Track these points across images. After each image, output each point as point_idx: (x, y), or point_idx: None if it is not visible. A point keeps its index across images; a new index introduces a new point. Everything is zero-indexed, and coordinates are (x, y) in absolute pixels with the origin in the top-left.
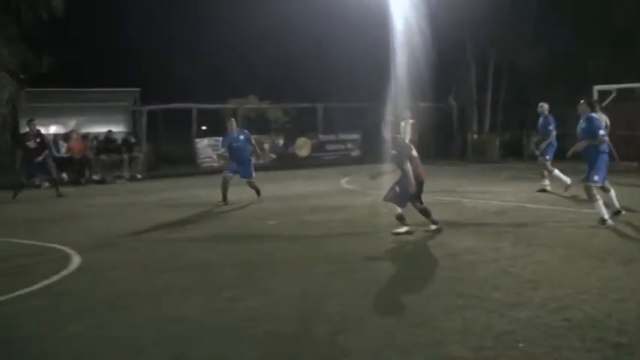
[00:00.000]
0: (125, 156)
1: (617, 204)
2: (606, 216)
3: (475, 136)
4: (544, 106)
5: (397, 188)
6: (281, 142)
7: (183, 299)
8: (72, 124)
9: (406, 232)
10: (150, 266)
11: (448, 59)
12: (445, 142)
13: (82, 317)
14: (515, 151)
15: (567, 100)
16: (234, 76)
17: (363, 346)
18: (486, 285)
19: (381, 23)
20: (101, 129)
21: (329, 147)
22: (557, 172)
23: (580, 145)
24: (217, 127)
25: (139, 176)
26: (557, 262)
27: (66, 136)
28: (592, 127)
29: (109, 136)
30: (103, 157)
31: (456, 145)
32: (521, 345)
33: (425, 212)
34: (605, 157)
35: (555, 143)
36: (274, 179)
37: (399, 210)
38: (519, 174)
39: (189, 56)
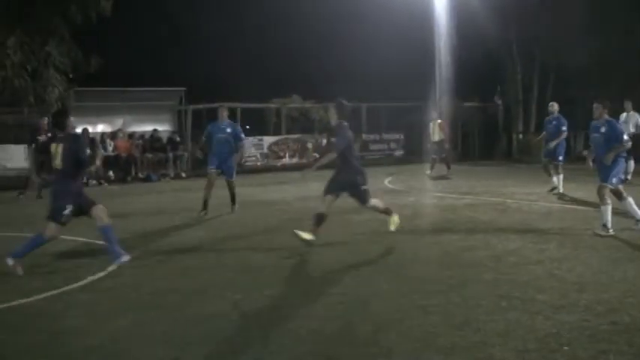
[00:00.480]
0: (170, 154)
1: (639, 212)
2: (610, 224)
3: (521, 135)
4: (554, 106)
5: (364, 187)
6: (324, 141)
7: (224, 297)
8: (119, 122)
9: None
10: (192, 264)
11: (493, 58)
12: (490, 141)
13: (126, 313)
14: None
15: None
16: (278, 75)
17: (404, 346)
18: (530, 287)
19: (425, 22)
20: (147, 128)
21: (372, 147)
22: (556, 178)
23: (609, 158)
24: (261, 127)
25: (183, 174)
26: (604, 264)
27: (113, 135)
28: (616, 133)
29: (154, 135)
30: (149, 155)
31: (501, 145)
32: (565, 348)
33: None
34: (622, 160)
35: (564, 144)
36: (318, 178)
37: (380, 205)
38: (565, 175)
39: (233, 56)
